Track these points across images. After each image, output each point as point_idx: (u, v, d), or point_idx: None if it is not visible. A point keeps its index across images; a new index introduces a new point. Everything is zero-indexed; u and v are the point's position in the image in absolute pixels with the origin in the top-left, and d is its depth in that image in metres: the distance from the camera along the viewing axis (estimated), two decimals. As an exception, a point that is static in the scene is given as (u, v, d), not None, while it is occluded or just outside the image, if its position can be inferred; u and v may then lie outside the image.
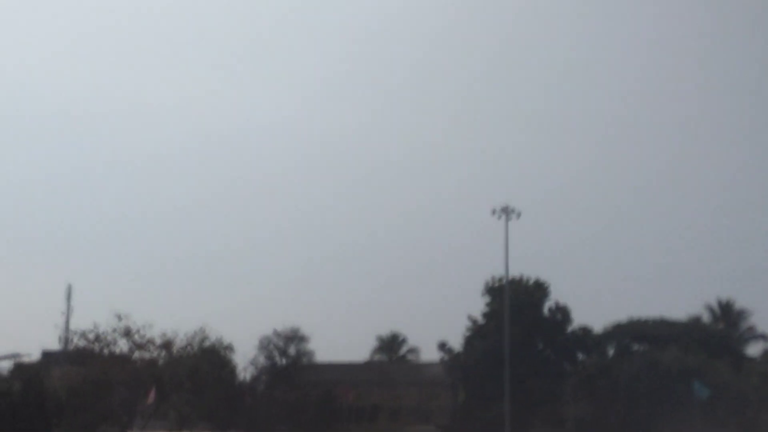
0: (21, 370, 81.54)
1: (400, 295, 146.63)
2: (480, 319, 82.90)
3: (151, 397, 50.13)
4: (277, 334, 79.64)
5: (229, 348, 76.83)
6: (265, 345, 79.72)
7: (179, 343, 73.99)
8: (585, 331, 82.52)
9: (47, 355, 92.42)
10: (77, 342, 76.34)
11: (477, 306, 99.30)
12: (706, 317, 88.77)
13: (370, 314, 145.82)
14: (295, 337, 79.86)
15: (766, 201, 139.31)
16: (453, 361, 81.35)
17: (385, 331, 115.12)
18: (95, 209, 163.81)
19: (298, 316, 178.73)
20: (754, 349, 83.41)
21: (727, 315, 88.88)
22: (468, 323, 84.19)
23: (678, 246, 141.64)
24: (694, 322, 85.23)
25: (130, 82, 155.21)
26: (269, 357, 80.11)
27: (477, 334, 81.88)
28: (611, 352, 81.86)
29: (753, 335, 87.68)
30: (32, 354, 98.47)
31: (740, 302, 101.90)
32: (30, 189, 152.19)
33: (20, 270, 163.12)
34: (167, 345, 73.65)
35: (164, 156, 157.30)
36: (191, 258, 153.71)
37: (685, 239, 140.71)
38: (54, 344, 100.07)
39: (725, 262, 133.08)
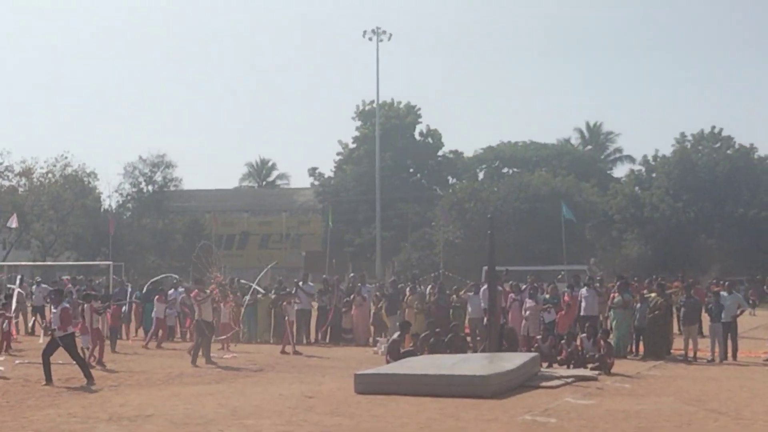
0: None
1: (270, 120, 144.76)
2: (351, 144, 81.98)
3: (13, 221, 48.16)
4: (142, 160, 77.53)
5: (93, 175, 74.79)
6: (130, 172, 77.64)
7: (40, 170, 71.71)
8: (456, 155, 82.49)
9: None
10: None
11: (348, 131, 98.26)
12: (574, 140, 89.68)
13: (239, 140, 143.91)
14: (161, 163, 77.88)
15: (641, 23, 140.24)
16: (324, 187, 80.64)
17: (254, 157, 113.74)
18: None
19: (164, 142, 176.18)
20: (620, 171, 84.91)
21: (596, 137, 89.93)
22: (339, 148, 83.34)
23: (548, 69, 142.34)
24: (563, 145, 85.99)
25: None
26: (135, 184, 78.16)
27: (348, 159, 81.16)
28: (481, 175, 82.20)
29: (620, 157, 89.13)
30: None
31: (608, 124, 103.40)
32: None
33: None
34: (27, 172, 71.25)
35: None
36: (51, 81, 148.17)
37: (556, 62, 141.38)
38: None
39: (594, 84, 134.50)
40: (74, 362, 18.87)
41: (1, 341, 24.71)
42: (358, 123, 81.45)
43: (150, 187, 78.06)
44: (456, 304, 28.54)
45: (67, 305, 19.18)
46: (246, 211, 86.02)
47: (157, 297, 29.55)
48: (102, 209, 76.84)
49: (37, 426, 13.57)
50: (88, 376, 18.48)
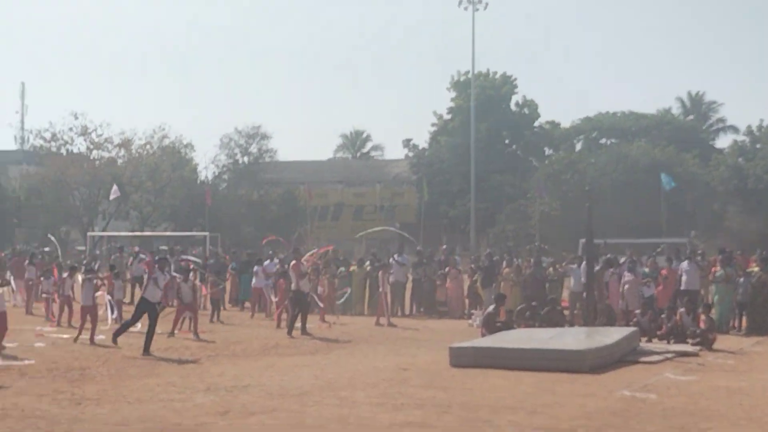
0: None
1: (364, 91, 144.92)
2: (446, 115, 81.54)
3: (114, 191, 49.09)
4: (238, 132, 78.08)
5: (190, 147, 75.70)
6: (226, 143, 78.27)
7: (138, 142, 72.80)
8: (553, 126, 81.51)
9: (3, 155, 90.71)
10: (33, 141, 74.94)
11: (443, 102, 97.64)
12: (675, 110, 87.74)
13: (334, 111, 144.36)
14: (256, 134, 78.31)
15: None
16: (418, 158, 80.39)
17: (348, 128, 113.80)
18: (46, 5, 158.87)
19: (259, 113, 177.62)
20: (723, 142, 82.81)
21: (697, 107, 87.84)
22: (433, 119, 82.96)
23: (649, 39, 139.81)
24: (664, 115, 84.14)
25: None
26: (231, 156, 78.81)
27: (443, 130, 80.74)
28: (579, 146, 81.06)
29: (722, 127, 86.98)
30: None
31: (711, 94, 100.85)
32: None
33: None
34: (126, 144, 72.37)
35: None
36: (149, 54, 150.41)
37: (656, 31, 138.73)
38: (10, 144, 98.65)
39: (697, 54, 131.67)
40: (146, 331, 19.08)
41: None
42: (453, 94, 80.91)
43: (245, 159, 78.62)
44: (553, 278, 28.22)
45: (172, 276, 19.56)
46: (340, 182, 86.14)
47: (259, 268, 29.80)
48: (198, 180, 77.64)
49: (136, 395, 13.74)
50: (147, 349, 18.62)
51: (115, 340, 19.55)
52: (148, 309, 19.03)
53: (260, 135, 78.41)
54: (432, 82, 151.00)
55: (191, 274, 23.84)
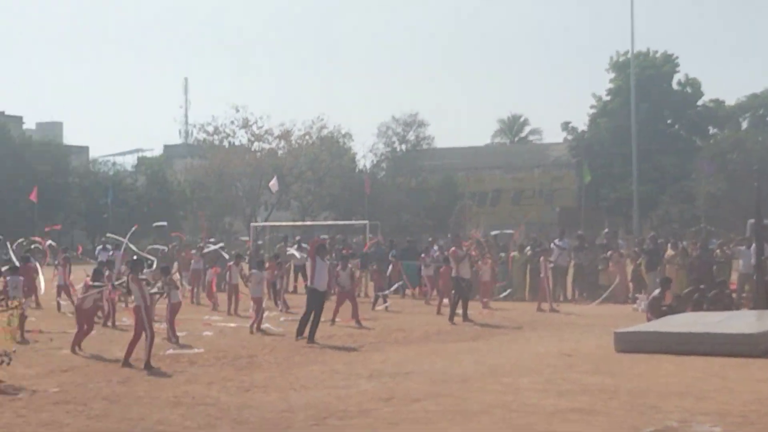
0: (144, 164, 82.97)
1: (521, 75, 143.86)
2: (605, 97, 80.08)
3: (274, 184, 49.96)
4: (395, 120, 78.51)
5: (348, 136, 76.62)
6: (383, 132, 78.82)
7: (298, 132, 74.09)
8: (717, 104, 79.10)
9: (169, 149, 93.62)
10: (197, 135, 77.24)
11: (602, 83, 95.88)
12: None
13: (490, 96, 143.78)
14: (414, 122, 78.60)
15: None
16: (578, 141, 79.18)
17: (505, 113, 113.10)
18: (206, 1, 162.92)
19: (416, 101, 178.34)
20: None
21: None
22: (592, 101, 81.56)
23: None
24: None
25: None
26: (388, 144, 79.31)
27: (602, 112, 79.22)
28: (745, 125, 78.47)
29: None
30: (154, 148, 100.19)
31: None
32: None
33: (138, 66, 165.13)
34: (286, 135, 73.79)
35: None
36: (305, 45, 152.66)
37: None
38: (175, 138, 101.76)
39: None
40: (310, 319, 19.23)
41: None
42: (612, 75, 79.42)
43: (403, 147, 79.01)
44: (720, 260, 27.42)
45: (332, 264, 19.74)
46: (498, 167, 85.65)
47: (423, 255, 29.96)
48: (357, 169, 78.44)
49: (302, 382, 13.93)
50: (312, 337, 18.74)
51: (306, 338, 18.97)
52: (315, 297, 19.16)
53: (417, 123, 78.71)
54: (590, 63, 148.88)
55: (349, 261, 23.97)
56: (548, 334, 20.04)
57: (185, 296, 28.61)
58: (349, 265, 23.34)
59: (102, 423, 11.37)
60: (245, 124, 73.19)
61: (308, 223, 63.79)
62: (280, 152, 73.89)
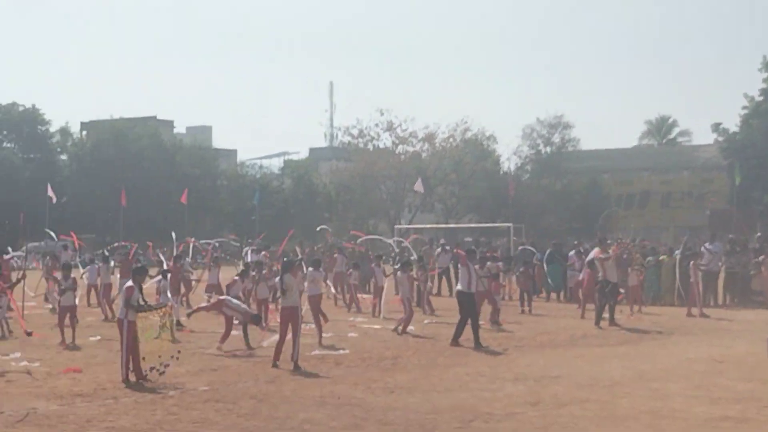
0: (291, 167, 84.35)
1: (670, 75, 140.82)
2: (758, 97, 77.70)
3: (419, 186, 50.25)
4: (540, 122, 77.95)
5: (492, 138, 76.50)
6: (528, 134, 78.34)
7: (442, 135, 74.30)
8: None
9: (314, 152, 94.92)
10: (342, 138, 78.20)
11: (754, 83, 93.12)
12: None
13: (637, 97, 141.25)
14: (559, 124, 77.95)
15: None
16: (728, 143, 77.03)
17: (653, 114, 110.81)
18: (352, 6, 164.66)
19: (561, 102, 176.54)
20: None
21: None
22: (744, 102, 79.24)
23: None
24: None
25: None
26: (533, 146, 78.80)
27: (755, 112, 76.79)
28: None
29: None
30: (300, 151, 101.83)
31: None
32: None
33: (284, 71, 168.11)
34: (430, 137, 74.10)
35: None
36: (448, 49, 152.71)
37: None
38: (320, 141, 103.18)
39: None
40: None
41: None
42: (765, 74, 77.08)
43: (548, 149, 78.42)
44: None
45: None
46: (646, 169, 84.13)
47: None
48: (501, 172, 78.17)
49: (446, 384, 13.94)
50: (477, 342, 18.58)
51: (472, 342, 18.63)
52: (468, 301, 19.00)
53: (562, 124, 78.08)
54: (742, 63, 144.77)
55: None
56: (698, 340, 19.58)
57: (328, 298, 28.90)
58: (487, 266, 23.23)
59: (250, 421, 11.59)
60: (390, 127, 73.80)
61: (452, 225, 63.83)
62: (424, 155, 74.24)
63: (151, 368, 14.11)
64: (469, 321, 18.78)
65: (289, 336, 15.69)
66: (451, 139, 74.01)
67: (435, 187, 71.99)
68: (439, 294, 31.93)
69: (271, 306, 22.17)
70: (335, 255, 31.80)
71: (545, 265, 31.37)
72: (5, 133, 76.15)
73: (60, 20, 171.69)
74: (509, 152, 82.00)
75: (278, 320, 16.88)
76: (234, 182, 77.35)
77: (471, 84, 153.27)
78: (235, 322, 18.22)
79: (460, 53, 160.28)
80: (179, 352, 14.93)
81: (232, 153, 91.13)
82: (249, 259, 28.70)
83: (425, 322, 23.18)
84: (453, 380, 14.32)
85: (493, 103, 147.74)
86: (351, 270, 28.47)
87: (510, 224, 43.45)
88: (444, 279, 33.05)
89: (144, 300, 14.82)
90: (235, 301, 18.64)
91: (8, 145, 76.04)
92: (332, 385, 14.00)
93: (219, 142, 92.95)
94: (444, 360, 16.69)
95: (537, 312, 26.41)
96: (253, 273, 23.17)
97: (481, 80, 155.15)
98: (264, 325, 19.31)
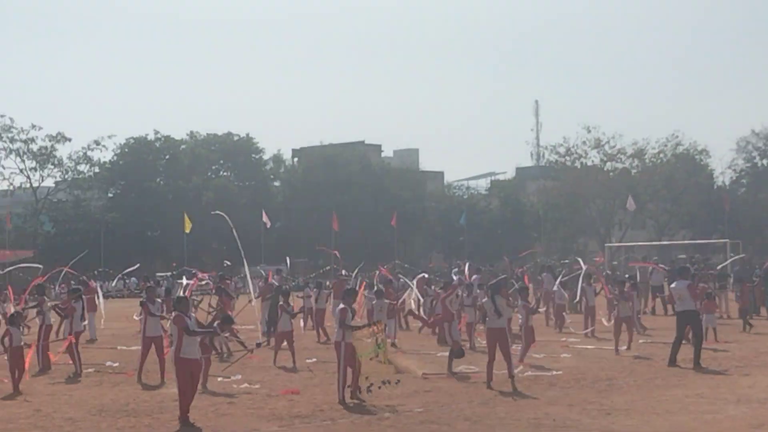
0: (497, 187, 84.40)
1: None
2: None
3: (630, 203, 49.43)
4: (755, 134, 75.24)
5: (705, 152, 74.55)
6: (743, 146, 75.76)
7: (651, 150, 72.89)
8: None
9: (521, 171, 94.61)
10: (548, 157, 77.67)
11: None
12: None
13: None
14: (777, 137, 75.05)
15: None
16: None
17: None
18: (553, 25, 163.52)
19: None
20: None
21: None
22: None
23: None
24: None
25: None
26: (748, 159, 76.13)
27: None
28: None
29: None
30: (507, 171, 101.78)
31: None
32: None
33: (490, 91, 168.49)
34: (639, 154, 72.82)
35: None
36: (653, 63, 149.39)
37: None
38: (526, 160, 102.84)
39: None
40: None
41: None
42: None
43: (764, 161, 75.65)
44: None
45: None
46: None
47: None
48: (715, 186, 75.95)
49: (665, 406, 13.56)
50: (697, 362, 17.88)
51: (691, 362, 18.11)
52: (690, 319, 18.32)
53: (779, 136, 75.17)
54: None
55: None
56: None
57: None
58: (700, 286, 22.43)
59: (467, 443, 11.58)
60: (597, 144, 72.86)
61: (664, 242, 62.37)
62: (633, 171, 72.94)
63: (369, 387, 14.27)
64: (692, 340, 18.21)
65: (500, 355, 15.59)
66: (661, 155, 72.52)
67: (645, 204, 70.54)
68: (653, 313, 31.18)
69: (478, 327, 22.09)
70: (543, 274, 31.45)
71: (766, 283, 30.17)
72: (222, 162, 79.19)
73: (270, 51, 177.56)
74: (723, 166, 79.59)
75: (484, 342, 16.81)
76: (442, 204, 77.92)
77: (681, 97, 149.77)
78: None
79: (666, 66, 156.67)
80: (399, 381, 14.92)
81: (439, 175, 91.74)
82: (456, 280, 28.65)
83: (640, 342, 22.64)
84: (672, 402, 13.92)
85: (704, 116, 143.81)
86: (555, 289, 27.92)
87: (726, 240, 42.12)
88: (659, 298, 32.19)
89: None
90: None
91: (225, 174, 78.97)
92: (547, 406, 13.83)
93: (426, 164, 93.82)
94: (661, 381, 16.25)
95: (757, 331, 25.38)
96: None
97: (691, 93, 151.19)
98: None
